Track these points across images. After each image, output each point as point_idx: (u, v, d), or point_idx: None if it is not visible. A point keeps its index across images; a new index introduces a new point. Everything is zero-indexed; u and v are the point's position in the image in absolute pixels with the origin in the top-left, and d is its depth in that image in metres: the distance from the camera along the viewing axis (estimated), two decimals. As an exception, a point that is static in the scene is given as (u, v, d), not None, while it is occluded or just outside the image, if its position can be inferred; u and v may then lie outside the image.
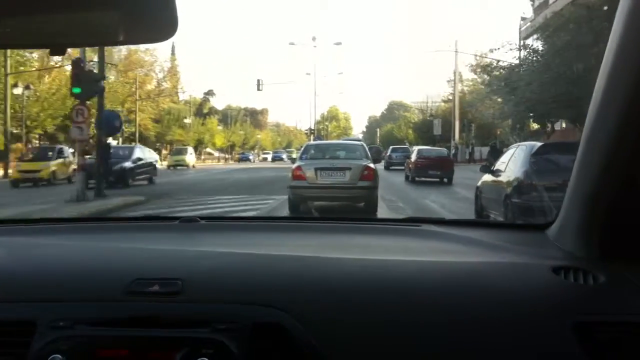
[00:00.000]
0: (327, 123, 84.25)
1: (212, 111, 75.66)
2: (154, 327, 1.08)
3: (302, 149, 12.21)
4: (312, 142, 16.87)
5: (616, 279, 1.15)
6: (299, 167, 10.26)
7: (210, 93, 77.13)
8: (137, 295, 1.14)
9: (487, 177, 9.26)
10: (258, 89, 42.09)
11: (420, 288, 1.15)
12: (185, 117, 53.54)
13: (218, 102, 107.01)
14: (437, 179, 19.70)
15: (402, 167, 24.84)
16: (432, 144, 40.98)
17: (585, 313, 1.08)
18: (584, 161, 1.18)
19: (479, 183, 9.66)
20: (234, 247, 1.39)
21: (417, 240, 1.52)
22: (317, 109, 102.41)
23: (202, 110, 73.73)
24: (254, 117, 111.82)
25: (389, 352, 1.04)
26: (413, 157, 21.20)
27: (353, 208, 10.31)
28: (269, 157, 66.17)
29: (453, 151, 38.97)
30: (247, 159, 60.71)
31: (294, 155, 62.77)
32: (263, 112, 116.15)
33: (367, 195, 10.03)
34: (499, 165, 8.94)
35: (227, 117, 79.60)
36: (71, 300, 1.15)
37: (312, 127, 46.44)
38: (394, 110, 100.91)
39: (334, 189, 10.03)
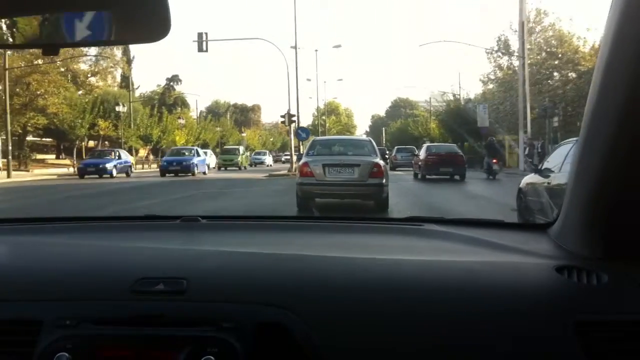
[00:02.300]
0: (323, 117, 68.87)
1: (179, 102, 60.37)
2: (159, 326, 1.09)
3: (309, 144, 11.97)
4: (318, 137, 15.38)
5: (618, 278, 1.15)
6: (306, 164, 9.98)
7: (175, 79, 61.23)
8: (142, 294, 1.14)
9: (533, 179, 7.80)
10: (200, 49, 25.69)
11: (422, 287, 1.15)
12: (118, 104, 38.03)
13: (205, 98, 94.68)
14: (448, 176, 19.39)
15: (408, 169, 24.73)
16: (476, 141, 26.36)
17: (587, 312, 1.08)
18: (585, 160, 1.18)
19: (522, 185, 8.24)
20: (237, 247, 1.39)
21: (418, 240, 1.52)
22: (311, 100, 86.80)
23: (165, 100, 58.70)
24: (244, 114, 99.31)
25: (391, 351, 1.04)
26: (422, 155, 20.42)
27: (362, 206, 10.15)
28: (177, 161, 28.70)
29: (526, 150, 23.58)
30: (99, 170, 25.96)
31: (238, 159, 36.41)
32: (255, 108, 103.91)
33: (377, 192, 9.64)
34: (549, 164, 7.46)
35: (214, 114, 66.11)
36: (76, 299, 1.15)
37: (291, 113, 27.18)
38: (399, 108, 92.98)
39: (343, 186, 9.72)
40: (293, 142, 28.33)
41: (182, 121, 50.05)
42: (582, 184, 1.20)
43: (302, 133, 26.94)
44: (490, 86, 39.22)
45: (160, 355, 1.05)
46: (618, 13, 1.01)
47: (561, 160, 6.87)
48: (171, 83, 60.92)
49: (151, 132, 42.47)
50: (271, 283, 1.17)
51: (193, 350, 1.03)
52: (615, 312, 1.08)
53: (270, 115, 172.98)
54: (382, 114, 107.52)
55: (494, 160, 19.59)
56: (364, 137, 14.69)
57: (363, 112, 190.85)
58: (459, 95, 39.50)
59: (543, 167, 7.55)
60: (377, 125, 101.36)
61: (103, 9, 1.00)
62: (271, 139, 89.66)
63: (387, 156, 28.25)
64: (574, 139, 7.34)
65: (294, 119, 27.01)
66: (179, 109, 59.23)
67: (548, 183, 7.00)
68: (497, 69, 37.91)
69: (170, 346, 1.05)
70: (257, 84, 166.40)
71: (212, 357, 1.02)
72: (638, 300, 1.10)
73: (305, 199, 9.92)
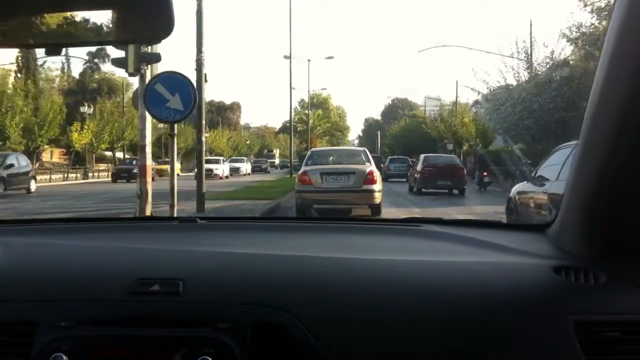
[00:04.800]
0: (307, 111, 52.52)
1: (105, 87, 43.62)
2: (155, 326, 1.10)
3: (307, 155, 12.43)
4: (316, 149, 15.91)
5: (616, 279, 1.17)
6: (305, 172, 10.71)
7: (100, 55, 44.32)
8: (138, 295, 1.15)
9: (525, 187, 7.32)
10: None
11: (420, 288, 1.17)
12: None
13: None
14: (446, 191, 18.78)
15: (402, 180, 24.94)
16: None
17: (586, 312, 1.09)
18: (584, 160, 1.19)
19: (512, 194, 7.71)
20: (233, 247, 1.39)
21: (417, 240, 1.53)
22: (295, 90, 69.53)
23: (85, 85, 42.11)
24: (222, 113, 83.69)
25: (389, 352, 1.05)
26: (419, 167, 19.78)
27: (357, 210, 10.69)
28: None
29: None
30: None
31: None
32: (234, 107, 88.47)
33: (371, 198, 10.35)
34: (543, 171, 6.83)
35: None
36: (73, 300, 1.17)
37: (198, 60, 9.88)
38: (397, 109, 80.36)
39: (339, 192, 10.36)
40: (149, 126, 8.09)
41: (87, 110, 33.33)
42: (580, 185, 1.20)
43: (164, 92, 7.14)
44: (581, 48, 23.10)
45: (156, 355, 1.06)
46: (619, 21, 1.02)
47: (557, 167, 6.14)
48: (95, 60, 43.93)
49: (4, 122, 25.45)
50: (268, 284, 1.17)
51: (189, 351, 1.04)
52: (614, 312, 1.10)
53: (254, 117, 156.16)
54: (377, 116, 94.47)
55: (485, 173, 19.89)
56: (358, 147, 14.60)
57: (356, 114, 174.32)
58: (534, 60, 22.85)
59: (537, 175, 6.91)
60: (372, 130, 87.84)
61: (106, 8, 1.00)
62: (247, 142, 73.64)
63: (382, 165, 27.59)
64: (569, 143, 6.70)
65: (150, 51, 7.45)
66: (107, 97, 42.70)
67: (544, 192, 6.24)
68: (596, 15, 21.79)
69: (166, 347, 1.06)
70: (239, 78, 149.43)
71: (208, 358, 1.03)
72: (635, 300, 1.11)
73: (304, 206, 10.51)
